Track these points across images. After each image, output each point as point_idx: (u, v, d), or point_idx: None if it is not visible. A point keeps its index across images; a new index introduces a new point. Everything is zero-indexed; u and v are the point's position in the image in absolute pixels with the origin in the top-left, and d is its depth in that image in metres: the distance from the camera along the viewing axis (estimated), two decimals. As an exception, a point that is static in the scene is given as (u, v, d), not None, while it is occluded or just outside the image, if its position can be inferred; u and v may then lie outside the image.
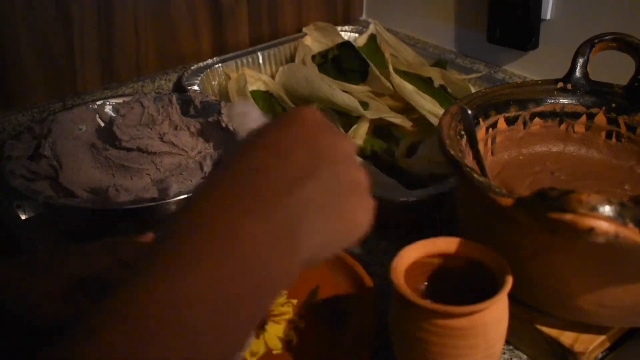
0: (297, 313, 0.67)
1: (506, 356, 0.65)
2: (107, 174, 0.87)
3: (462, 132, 0.67)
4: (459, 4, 1.22)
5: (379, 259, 0.78)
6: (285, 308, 0.67)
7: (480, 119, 0.72)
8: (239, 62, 1.13)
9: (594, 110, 0.75)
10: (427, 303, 0.53)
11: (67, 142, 0.87)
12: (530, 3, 1.06)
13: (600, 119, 0.75)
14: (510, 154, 0.75)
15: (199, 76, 1.07)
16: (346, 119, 1.01)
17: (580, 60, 0.75)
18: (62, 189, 0.82)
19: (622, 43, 0.73)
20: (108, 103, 0.95)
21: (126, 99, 0.95)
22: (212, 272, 0.35)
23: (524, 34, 1.10)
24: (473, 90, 1.01)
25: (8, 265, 0.63)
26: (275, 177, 0.39)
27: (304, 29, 1.21)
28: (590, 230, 0.47)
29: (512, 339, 0.65)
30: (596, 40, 0.74)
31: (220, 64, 1.11)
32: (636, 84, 0.73)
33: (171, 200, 0.75)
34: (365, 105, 1.00)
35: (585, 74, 0.75)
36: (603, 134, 0.75)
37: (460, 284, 0.59)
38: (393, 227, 0.82)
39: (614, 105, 0.74)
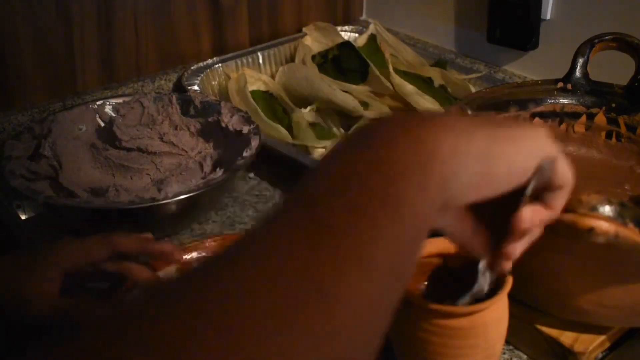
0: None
1: (506, 356, 0.65)
2: (107, 174, 0.87)
3: (462, 132, 0.67)
4: (459, 4, 1.22)
5: (379, 259, 0.78)
6: (285, 308, 0.67)
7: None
8: (239, 62, 1.13)
9: (594, 110, 0.75)
10: (426, 303, 0.53)
11: (67, 142, 0.87)
12: (530, 3, 1.06)
13: (600, 119, 0.75)
14: (510, 154, 0.75)
15: (199, 76, 1.07)
16: (346, 119, 1.01)
17: (580, 60, 0.75)
18: (62, 189, 0.82)
19: (622, 43, 0.73)
20: (108, 103, 0.95)
21: (126, 99, 0.95)
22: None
23: (524, 34, 1.10)
24: (473, 90, 1.01)
25: (4, 261, 0.63)
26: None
27: (304, 29, 1.21)
28: (590, 230, 0.47)
29: (512, 339, 0.65)
30: (596, 40, 0.74)
31: (220, 64, 1.11)
32: (636, 84, 0.73)
33: (170, 200, 0.76)
34: (365, 105, 1.00)
35: (585, 74, 0.75)
36: (603, 134, 0.75)
37: (460, 284, 0.59)
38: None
39: (614, 105, 0.74)
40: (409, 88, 1.03)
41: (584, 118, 0.75)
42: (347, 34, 1.23)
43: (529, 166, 0.41)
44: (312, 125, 0.99)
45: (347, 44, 1.13)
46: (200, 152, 0.91)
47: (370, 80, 1.07)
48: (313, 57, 1.14)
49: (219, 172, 0.81)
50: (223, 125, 0.89)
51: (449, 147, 0.36)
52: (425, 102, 1.01)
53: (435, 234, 0.59)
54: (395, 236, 0.33)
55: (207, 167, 0.89)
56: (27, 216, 0.85)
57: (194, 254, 0.74)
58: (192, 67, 1.09)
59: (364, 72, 1.08)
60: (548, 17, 1.09)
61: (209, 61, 1.11)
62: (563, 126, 0.76)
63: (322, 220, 0.32)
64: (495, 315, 0.54)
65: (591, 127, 0.75)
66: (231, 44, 1.20)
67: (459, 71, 1.11)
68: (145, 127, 0.91)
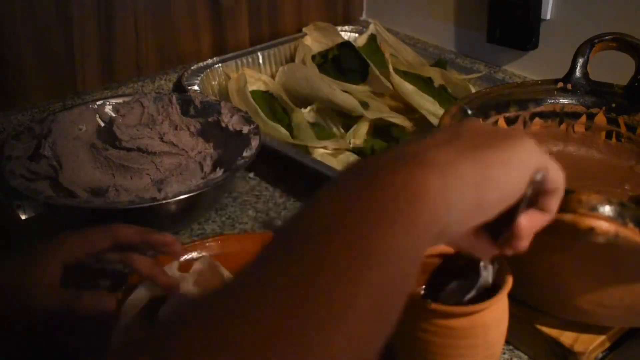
0: (297, 313, 0.67)
1: (506, 356, 0.65)
2: (107, 174, 0.87)
3: (462, 132, 0.67)
4: (459, 4, 1.22)
5: (379, 259, 0.78)
6: (285, 308, 0.67)
7: (480, 119, 0.72)
8: (239, 62, 1.13)
9: (594, 110, 0.75)
10: (427, 303, 0.53)
11: (67, 142, 0.87)
12: (530, 3, 1.06)
13: (600, 119, 0.75)
14: (510, 154, 0.75)
15: (199, 76, 1.07)
16: (346, 119, 1.01)
17: (580, 60, 0.75)
18: (62, 189, 0.82)
19: (622, 43, 0.73)
20: (108, 103, 0.95)
21: (126, 99, 0.95)
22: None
23: (524, 34, 1.10)
24: (473, 90, 1.01)
25: (6, 257, 0.63)
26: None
27: (304, 29, 1.21)
28: (590, 230, 0.47)
29: (512, 339, 0.65)
30: (596, 40, 0.74)
31: (220, 64, 1.11)
32: (636, 84, 0.73)
33: (170, 200, 0.76)
34: (365, 105, 1.00)
35: (585, 74, 0.75)
36: (603, 134, 0.75)
37: (460, 284, 0.59)
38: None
39: (614, 105, 0.74)
40: (409, 88, 1.03)
41: (584, 118, 0.75)
42: (347, 34, 1.23)
43: (521, 185, 0.42)
44: (312, 125, 1.00)
45: (347, 44, 1.13)
46: (200, 152, 0.91)
47: (370, 80, 1.07)
48: (313, 57, 1.14)
49: (219, 172, 0.81)
50: (223, 125, 0.89)
51: (436, 186, 0.37)
52: (425, 102, 1.01)
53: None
54: (378, 284, 0.33)
55: (207, 167, 0.89)
56: (27, 216, 0.85)
57: (194, 254, 0.74)
58: (192, 67, 1.09)
59: (364, 72, 1.08)
60: (548, 17, 1.09)
61: (209, 61, 1.11)
62: (563, 126, 0.76)
63: (302, 274, 0.32)
64: (495, 315, 0.54)
65: (591, 127, 0.75)
66: (231, 44, 1.20)
67: (459, 71, 1.11)
68: (145, 127, 0.91)
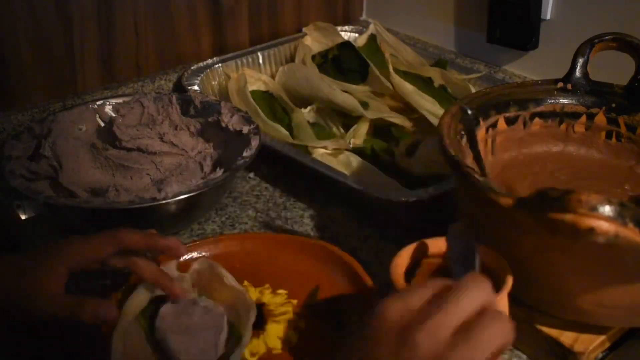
0: (297, 313, 0.67)
1: (506, 356, 0.65)
2: (107, 174, 0.87)
3: (462, 132, 0.67)
4: (459, 4, 1.22)
5: (379, 259, 0.78)
6: (285, 308, 0.67)
7: (480, 119, 0.72)
8: (239, 62, 1.13)
9: (594, 110, 0.75)
10: (427, 303, 0.53)
11: (67, 142, 0.87)
12: (530, 3, 1.06)
13: (600, 119, 0.75)
14: (510, 154, 0.75)
15: (199, 76, 1.07)
16: (346, 119, 1.01)
17: (580, 60, 0.75)
18: (62, 189, 0.82)
19: (622, 43, 0.73)
20: (108, 103, 0.95)
21: (126, 99, 0.95)
22: None
23: (524, 34, 1.10)
24: (473, 90, 1.01)
25: (9, 260, 0.63)
26: None
27: (304, 29, 1.21)
28: (590, 230, 0.47)
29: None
30: (596, 40, 0.74)
31: (220, 64, 1.11)
32: (636, 84, 0.73)
33: (170, 200, 0.76)
34: (365, 105, 1.00)
35: (585, 74, 0.75)
36: (603, 134, 0.75)
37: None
38: (393, 227, 0.82)
39: (614, 105, 0.74)
40: (409, 88, 1.03)
41: (584, 118, 0.75)
42: (347, 34, 1.23)
43: None
44: (312, 125, 1.00)
45: (347, 44, 1.13)
46: (200, 152, 0.91)
47: (370, 80, 1.07)
48: (313, 57, 1.14)
49: (219, 172, 0.81)
50: (223, 125, 0.89)
51: None
52: (425, 102, 1.00)
53: (435, 234, 0.59)
54: None
55: (207, 167, 0.89)
56: (27, 216, 0.85)
57: (194, 254, 0.74)
58: (192, 67, 1.09)
59: (364, 72, 1.08)
60: (548, 17, 1.09)
61: (209, 61, 1.11)
62: (563, 126, 0.76)
63: None
64: (495, 315, 0.54)
65: (591, 127, 0.75)
66: (231, 44, 1.20)
67: (459, 71, 1.11)
68: (145, 127, 0.91)
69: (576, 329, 0.61)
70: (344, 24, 1.29)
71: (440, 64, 1.12)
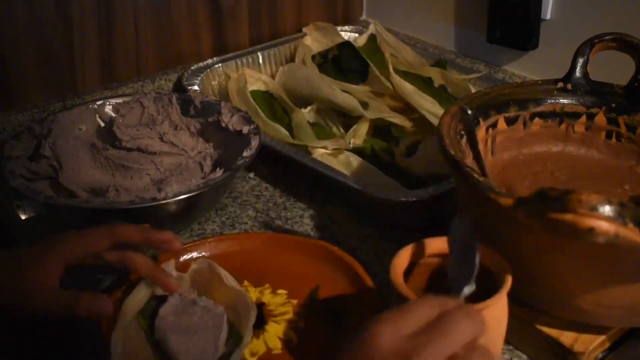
0: (297, 313, 0.67)
1: (506, 356, 0.65)
2: (107, 174, 0.87)
3: (462, 132, 0.67)
4: (459, 4, 1.22)
5: (379, 259, 0.78)
6: (285, 308, 0.67)
7: (480, 119, 0.72)
8: (239, 62, 1.13)
9: (594, 110, 0.75)
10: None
11: (67, 142, 0.87)
12: (530, 3, 1.06)
13: (600, 119, 0.75)
14: (510, 154, 0.75)
15: (199, 76, 1.07)
16: (346, 119, 1.01)
17: (580, 60, 0.75)
18: (62, 189, 0.82)
19: (622, 43, 0.73)
20: (108, 103, 0.95)
21: (126, 99, 0.95)
22: None
23: (524, 34, 1.10)
24: (473, 90, 1.01)
25: (4, 254, 0.63)
26: None
27: (304, 29, 1.22)
28: (590, 230, 0.47)
29: (512, 339, 0.65)
30: (596, 40, 0.74)
31: (220, 64, 1.11)
32: (636, 84, 0.73)
33: (170, 200, 0.76)
34: (365, 105, 1.00)
35: (585, 74, 0.75)
36: (603, 134, 0.75)
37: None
38: (393, 227, 0.82)
39: (614, 105, 0.74)
40: (409, 88, 1.03)
41: (584, 118, 0.75)
42: (347, 34, 1.23)
43: None
44: (312, 125, 1.00)
45: (347, 44, 1.13)
46: (200, 152, 0.91)
47: (370, 80, 1.07)
48: (313, 57, 1.14)
49: (219, 172, 0.81)
50: (223, 125, 0.89)
51: None
52: (426, 102, 1.00)
53: (435, 233, 0.59)
54: None
55: (207, 167, 0.89)
56: (27, 216, 0.85)
57: (194, 254, 0.74)
58: (192, 67, 1.09)
59: (364, 72, 1.08)
60: (548, 17, 1.09)
61: (209, 61, 1.11)
62: (563, 126, 0.76)
63: None
64: (496, 314, 0.54)
65: (591, 127, 0.75)
66: (231, 44, 1.20)
67: (459, 71, 1.11)
68: (145, 127, 0.91)
69: (576, 329, 0.61)
70: (344, 24, 1.29)
71: (440, 64, 1.12)
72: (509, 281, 0.54)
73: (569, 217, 0.47)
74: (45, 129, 0.87)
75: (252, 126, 0.88)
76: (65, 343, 0.79)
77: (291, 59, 1.18)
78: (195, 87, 1.04)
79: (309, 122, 1.00)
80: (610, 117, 0.74)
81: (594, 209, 0.47)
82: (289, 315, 0.67)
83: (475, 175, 0.58)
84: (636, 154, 0.74)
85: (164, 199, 0.75)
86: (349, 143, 0.94)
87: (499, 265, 0.56)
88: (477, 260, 0.52)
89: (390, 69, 1.05)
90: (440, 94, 1.04)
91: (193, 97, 0.95)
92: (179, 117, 0.93)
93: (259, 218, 0.86)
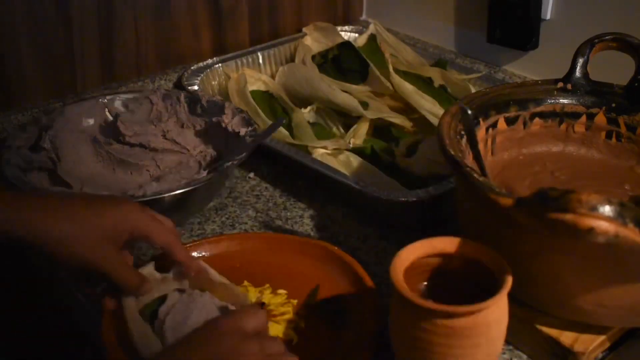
0: (297, 313, 0.67)
1: (506, 356, 0.65)
2: (108, 168, 0.87)
3: (462, 132, 0.67)
4: (459, 4, 1.22)
5: (379, 259, 0.78)
6: (285, 308, 0.67)
7: (480, 119, 0.72)
8: (239, 62, 1.13)
9: (594, 110, 0.75)
10: (427, 303, 0.53)
11: (70, 135, 0.88)
12: (530, 3, 1.06)
13: (600, 119, 0.75)
14: (510, 154, 0.75)
15: (199, 76, 1.07)
16: (346, 119, 1.01)
17: (580, 60, 0.75)
18: (60, 181, 0.82)
19: (622, 43, 0.73)
20: (118, 98, 0.96)
21: (136, 94, 0.96)
22: None
23: (524, 34, 1.10)
24: (473, 90, 1.01)
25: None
26: None
27: (304, 29, 1.21)
28: (590, 230, 0.47)
29: (512, 339, 0.65)
30: (596, 40, 0.74)
31: (220, 64, 1.11)
32: (636, 84, 0.73)
33: (149, 198, 0.76)
34: (365, 105, 1.00)
35: (585, 74, 0.75)
36: (603, 134, 0.75)
37: (460, 284, 0.59)
38: (393, 227, 0.82)
39: (614, 105, 0.74)
40: (409, 88, 1.03)
41: (584, 118, 0.75)
42: (347, 34, 1.23)
43: None
44: (312, 125, 1.00)
45: (347, 44, 1.13)
46: (201, 151, 0.91)
47: (370, 80, 1.07)
48: (313, 57, 1.14)
49: (203, 174, 0.82)
50: (224, 125, 0.90)
51: None
52: (426, 102, 1.00)
53: (435, 233, 0.59)
54: None
55: (204, 165, 0.89)
56: None
57: (194, 254, 0.74)
58: (192, 67, 1.09)
59: (364, 72, 1.08)
60: (548, 17, 1.09)
61: (209, 61, 1.11)
62: (563, 126, 0.76)
63: None
64: (496, 314, 0.54)
65: (591, 127, 0.75)
66: (231, 44, 1.20)
67: (459, 71, 1.11)
68: (150, 123, 0.92)
69: (576, 329, 0.61)
70: (344, 24, 1.29)
71: (440, 64, 1.12)
72: (509, 281, 0.54)
73: (569, 217, 0.47)
74: (50, 121, 0.88)
75: (250, 128, 0.88)
76: (65, 343, 0.79)
77: (291, 59, 1.18)
78: (195, 87, 1.04)
79: (309, 122, 1.00)
80: (610, 117, 0.74)
81: (594, 209, 0.47)
82: (289, 315, 0.67)
83: (475, 175, 0.58)
84: (636, 154, 0.74)
85: (142, 196, 0.76)
86: (349, 143, 0.94)
87: (499, 265, 0.56)
88: None
89: (390, 69, 1.05)
90: (440, 94, 1.04)
91: (200, 96, 0.95)
92: (186, 115, 0.94)
93: (259, 218, 0.86)
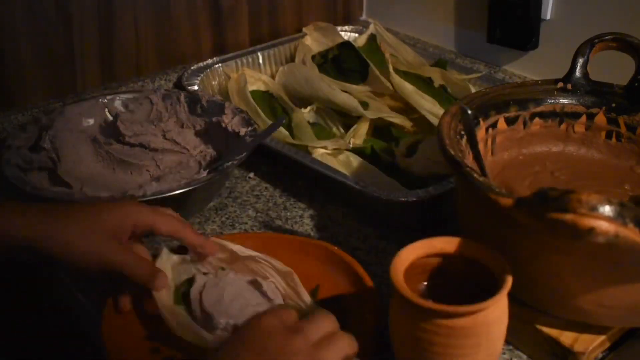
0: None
1: (506, 356, 0.65)
2: (108, 168, 0.87)
3: (462, 132, 0.67)
4: (459, 4, 1.22)
5: (379, 259, 0.78)
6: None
7: (480, 119, 0.72)
8: (239, 62, 1.13)
9: (594, 110, 0.75)
10: (427, 303, 0.53)
11: (70, 134, 0.88)
12: (530, 3, 1.06)
13: (600, 119, 0.75)
14: (510, 154, 0.75)
15: (199, 76, 1.07)
16: (346, 119, 1.01)
17: (580, 60, 0.75)
18: (60, 181, 0.83)
19: (622, 43, 0.73)
20: (118, 98, 0.96)
21: (136, 94, 0.95)
22: None
23: (524, 34, 1.10)
24: (473, 90, 1.01)
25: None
26: None
27: (304, 29, 1.21)
28: (590, 230, 0.47)
29: (512, 339, 0.65)
30: (596, 40, 0.74)
31: (220, 64, 1.11)
32: (636, 84, 0.73)
33: (150, 198, 0.76)
34: (365, 105, 1.00)
35: (585, 74, 0.75)
36: (603, 134, 0.75)
37: (460, 284, 0.59)
38: (393, 227, 0.82)
39: (614, 105, 0.74)
40: (409, 88, 1.03)
41: (584, 118, 0.75)
42: (347, 34, 1.23)
43: None
44: (312, 125, 1.00)
45: (347, 44, 1.13)
46: (201, 151, 0.91)
47: (370, 80, 1.07)
48: (313, 57, 1.14)
49: (203, 173, 0.82)
50: (224, 125, 0.90)
51: None
52: (426, 102, 1.00)
53: (435, 233, 0.59)
54: None
55: (205, 165, 0.89)
56: None
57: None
58: (192, 67, 1.09)
59: (364, 72, 1.08)
60: (548, 17, 1.09)
61: (209, 61, 1.11)
62: (563, 126, 0.76)
63: None
64: (496, 314, 0.54)
65: (591, 127, 0.75)
66: (231, 44, 1.20)
67: (459, 71, 1.11)
68: (150, 123, 0.92)
69: (576, 329, 0.61)
70: (344, 24, 1.29)
71: (440, 64, 1.12)
72: (509, 281, 0.54)
73: (569, 217, 0.47)
74: (50, 121, 0.88)
75: (250, 129, 0.88)
76: (65, 343, 0.79)
77: (291, 59, 1.18)
78: (195, 87, 1.04)
79: (309, 122, 1.00)
80: (610, 117, 0.74)
81: (594, 209, 0.47)
82: (289, 315, 0.67)
83: (475, 175, 0.58)
84: (636, 154, 0.74)
85: (142, 196, 0.76)
86: (349, 143, 0.94)
87: (499, 265, 0.56)
88: None
89: (390, 69, 1.05)
90: (440, 94, 1.04)
91: (200, 96, 0.95)
92: (186, 115, 0.94)
93: (259, 218, 0.86)
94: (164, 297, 0.65)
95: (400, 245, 0.58)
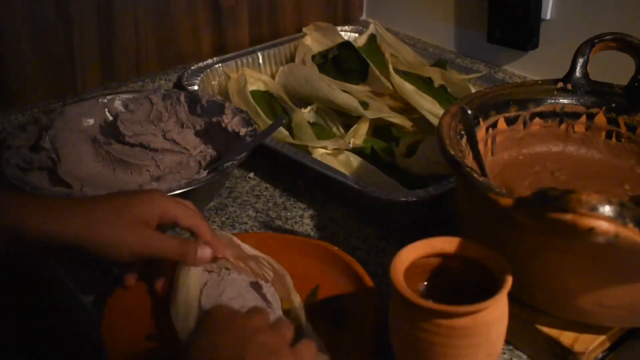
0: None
1: (506, 356, 0.65)
2: (108, 168, 0.87)
3: (462, 132, 0.67)
4: (459, 4, 1.22)
5: (379, 259, 0.78)
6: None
7: (480, 119, 0.72)
8: (239, 62, 1.13)
9: (594, 110, 0.75)
10: (427, 303, 0.53)
11: (70, 134, 0.88)
12: (530, 3, 1.06)
13: (600, 119, 0.75)
14: (510, 154, 0.75)
15: (199, 76, 1.07)
16: (346, 119, 1.01)
17: (580, 60, 0.75)
18: (60, 181, 0.83)
19: (622, 43, 0.73)
20: (118, 98, 0.95)
21: (136, 94, 0.95)
22: None
23: (524, 34, 1.10)
24: (473, 90, 1.01)
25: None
26: None
27: (304, 29, 1.21)
28: (590, 230, 0.47)
29: (512, 339, 0.65)
30: (596, 40, 0.74)
31: (220, 64, 1.11)
32: (636, 84, 0.73)
33: None
34: (365, 105, 1.00)
35: (585, 74, 0.75)
36: (603, 134, 0.75)
37: (460, 284, 0.59)
38: (393, 227, 0.82)
39: (614, 105, 0.74)
40: (409, 88, 1.03)
41: (584, 118, 0.75)
42: (347, 34, 1.23)
43: None
44: (312, 125, 1.00)
45: (347, 44, 1.13)
46: (201, 151, 0.91)
47: (370, 80, 1.07)
48: (313, 57, 1.14)
49: (203, 173, 0.82)
50: (224, 125, 0.90)
51: None
52: (426, 102, 1.00)
53: (435, 233, 0.59)
54: None
55: (204, 165, 0.89)
56: None
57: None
58: (192, 67, 1.09)
59: (364, 72, 1.08)
60: (548, 17, 1.09)
61: (209, 61, 1.11)
62: (563, 126, 0.76)
63: None
64: (497, 314, 0.54)
65: (591, 127, 0.75)
66: (231, 44, 1.20)
67: (459, 71, 1.11)
68: (150, 123, 0.92)
69: (576, 329, 0.61)
70: (344, 24, 1.29)
71: (440, 64, 1.12)
72: (509, 281, 0.54)
73: (569, 217, 0.47)
74: (51, 121, 0.88)
75: (250, 129, 0.88)
76: (65, 343, 0.79)
77: (291, 59, 1.18)
78: (195, 87, 1.04)
79: (309, 122, 1.00)
80: (610, 117, 0.74)
81: (594, 209, 0.47)
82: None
83: (475, 175, 0.58)
84: (636, 154, 0.74)
85: None
86: (349, 143, 0.94)
87: (499, 265, 0.56)
88: None
89: (390, 69, 1.05)
90: (440, 94, 1.04)
91: (200, 96, 0.95)
92: (186, 115, 0.94)
93: (259, 218, 0.86)
94: (192, 288, 0.66)
95: (400, 245, 0.58)
